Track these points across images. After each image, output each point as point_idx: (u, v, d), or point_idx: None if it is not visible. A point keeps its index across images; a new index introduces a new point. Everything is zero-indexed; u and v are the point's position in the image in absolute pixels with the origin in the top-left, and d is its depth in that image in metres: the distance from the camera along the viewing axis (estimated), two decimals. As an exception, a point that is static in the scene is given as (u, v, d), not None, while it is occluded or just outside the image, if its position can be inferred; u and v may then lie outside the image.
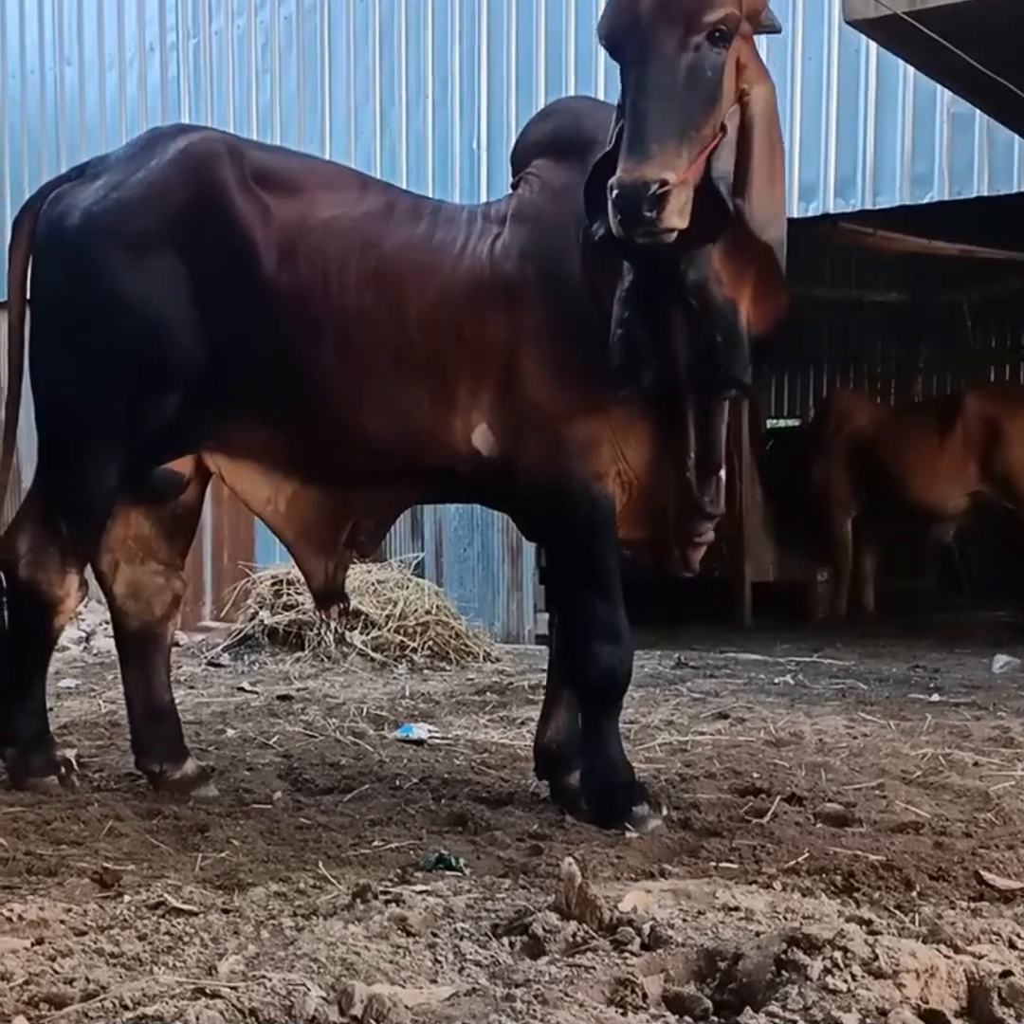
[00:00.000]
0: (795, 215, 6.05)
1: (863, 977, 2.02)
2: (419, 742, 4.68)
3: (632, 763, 3.73)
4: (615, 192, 2.94)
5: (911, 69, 5.89)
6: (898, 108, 6.61)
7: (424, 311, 3.48)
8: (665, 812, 3.51)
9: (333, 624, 6.56)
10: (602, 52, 7.03)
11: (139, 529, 3.88)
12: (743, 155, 3.12)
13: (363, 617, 6.65)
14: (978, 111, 5.93)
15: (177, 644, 7.02)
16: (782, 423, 12.39)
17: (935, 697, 5.72)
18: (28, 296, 3.80)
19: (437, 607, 6.84)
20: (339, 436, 3.59)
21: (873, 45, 5.75)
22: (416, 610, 6.73)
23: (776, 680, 6.27)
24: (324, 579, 3.79)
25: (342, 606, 3.98)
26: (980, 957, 2.13)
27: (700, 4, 3.03)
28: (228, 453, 3.71)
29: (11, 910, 2.61)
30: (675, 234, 2.98)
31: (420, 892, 2.71)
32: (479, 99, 7.73)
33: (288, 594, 6.80)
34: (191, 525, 4.02)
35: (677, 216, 2.95)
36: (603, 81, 7.14)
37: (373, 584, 6.82)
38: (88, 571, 3.86)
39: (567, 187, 3.43)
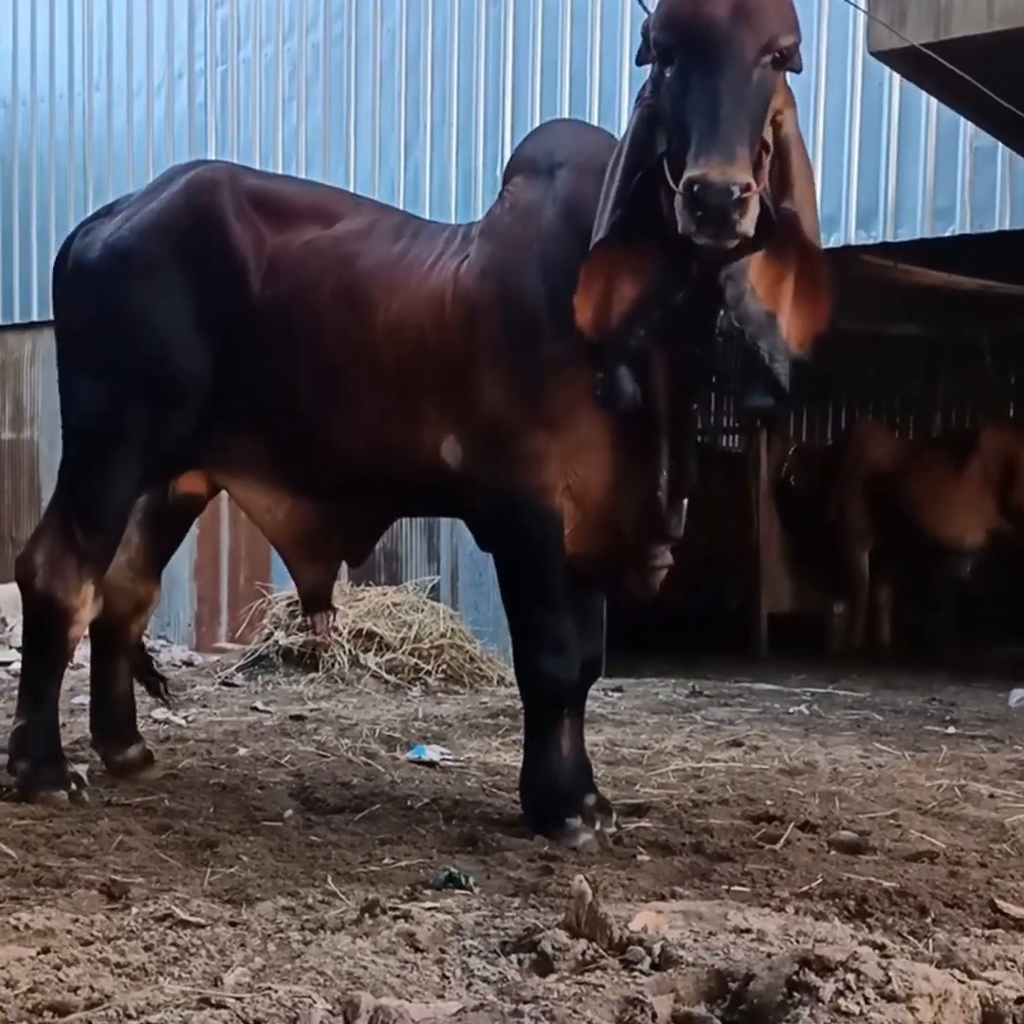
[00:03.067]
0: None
1: (876, 1000, 1.99)
2: (431, 764, 4.66)
3: (595, 781, 3.76)
4: (697, 189, 2.86)
5: (934, 101, 5.90)
6: (920, 141, 6.60)
7: (392, 325, 3.55)
8: (598, 827, 3.48)
9: (347, 645, 6.56)
10: (626, 81, 7.21)
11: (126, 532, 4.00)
12: (785, 167, 3.13)
13: (378, 639, 6.64)
14: (1001, 144, 5.93)
15: (153, 652, 7.08)
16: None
17: (951, 729, 5.68)
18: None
19: (452, 630, 6.82)
20: (322, 449, 3.70)
21: (896, 77, 5.78)
22: (431, 633, 6.72)
23: (791, 710, 6.23)
24: (312, 584, 3.95)
25: (328, 614, 4.17)
26: (995, 983, 2.11)
27: (781, 27, 3.06)
28: (229, 466, 3.85)
29: (18, 919, 2.62)
30: (738, 242, 2.96)
31: (429, 909, 2.69)
32: (503, 127, 7.78)
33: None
34: (176, 542, 4.27)
35: (752, 223, 2.93)
36: (626, 110, 7.19)
37: (388, 607, 6.81)
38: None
39: (533, 204, 3.49)
